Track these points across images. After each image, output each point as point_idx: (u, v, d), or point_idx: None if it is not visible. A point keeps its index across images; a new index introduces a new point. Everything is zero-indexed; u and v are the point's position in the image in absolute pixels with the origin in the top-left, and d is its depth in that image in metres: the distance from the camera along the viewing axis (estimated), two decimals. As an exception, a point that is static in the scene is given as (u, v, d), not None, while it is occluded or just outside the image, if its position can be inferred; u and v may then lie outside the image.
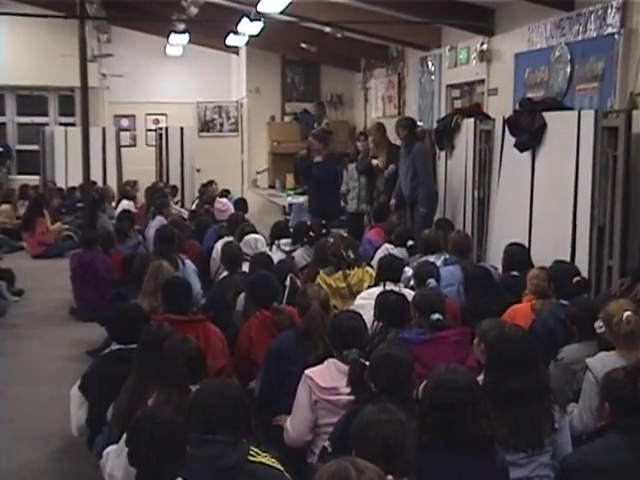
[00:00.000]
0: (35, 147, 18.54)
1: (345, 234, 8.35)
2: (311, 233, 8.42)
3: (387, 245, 8.41)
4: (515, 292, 6.21)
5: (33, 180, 17.98)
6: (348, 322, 4.71)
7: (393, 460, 2.92)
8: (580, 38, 8.55)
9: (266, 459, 3.46)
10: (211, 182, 15.45)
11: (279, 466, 3.51)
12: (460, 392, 3.45)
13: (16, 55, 18.29)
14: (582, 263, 6.71)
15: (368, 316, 5.20)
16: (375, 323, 5.39)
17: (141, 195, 15.59)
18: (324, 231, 8.58)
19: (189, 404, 3.60)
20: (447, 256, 7.39)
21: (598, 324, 4.77)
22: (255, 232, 8.90)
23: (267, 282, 6.01)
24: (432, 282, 6.17)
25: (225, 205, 12.35)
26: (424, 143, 10.41)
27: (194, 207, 14.00)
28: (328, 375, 4.46)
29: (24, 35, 18.11)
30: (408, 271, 6.91)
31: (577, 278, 5.78)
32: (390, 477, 2.69)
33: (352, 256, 7.18)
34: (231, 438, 3.43)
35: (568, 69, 8.75)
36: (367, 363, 4.17)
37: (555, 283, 5.76)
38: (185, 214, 12.83)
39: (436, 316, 5.15)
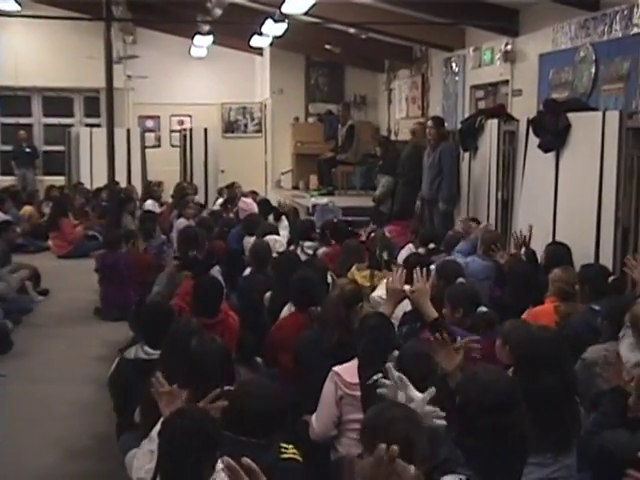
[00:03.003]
0: (61, 148, 18.69)
1: (388, 235, 8.31)
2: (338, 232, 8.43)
3: (411, 245, 8.41)
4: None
5: (59, 181, 18.12)
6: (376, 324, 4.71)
7: (412, 451, 2.91)
8: (605, 38, 8.52)
9: (294, 453, 3.49)
10: (232, 184, 15.49)
11: (299, 458, 3.55)
12: (507, 395, 3.42)
13: (42, 57, 18.45)
14: (606, 265, 6.67)
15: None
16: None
17: (166, 195, 15.68)
18: (350, 228, 8.59)
19: (226, 406, 3.60)
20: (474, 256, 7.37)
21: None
22: (276, 233, 8.93)
23: (310, 284, 5.97)
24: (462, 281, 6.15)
25: (249, 205, 12.37)
26: (450, 143, 10.46)
27: (215, 207, 14.02)
28: (354, 372, 4.48)
29: (50, 37, 18.26)
30: (433, 270, 6.90)
31: (613, 277, 5.73)
32: (412, 467, 2.67)
33: (385, 258, 7.17)
34: (265, 441, 3.45)
35: (593, 69, 8.72)
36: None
37: (590, 286, 5.69)
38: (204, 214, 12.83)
39: (483, 309, 5.14)
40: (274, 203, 12.98)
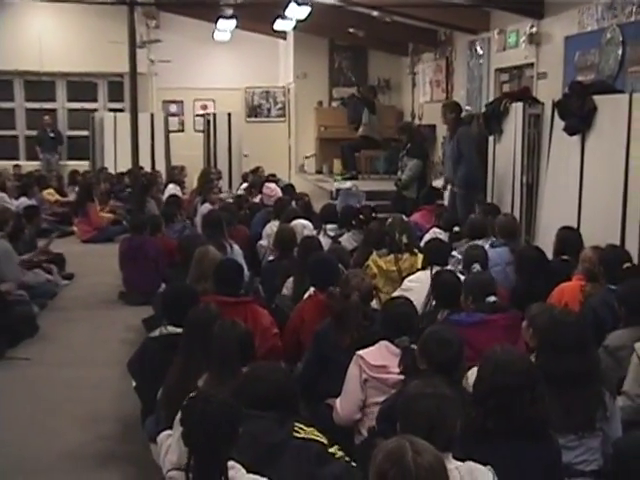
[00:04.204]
0: (85, 133, 18.77)
1: (405, 219, 8.29)
2: (361, 216, 8.41)
3: (435, 229, 8.39)
4: (565, 276, 6.13)
5: (83, 165, 18.22)
6: (399, 308, 4.75)
7: (435, 433, 2.91)
8: (633, 19, 8.43)
9: (311, 434, 3.51)
10: (257, 169, 15.51)
11: (323, 439, 3.56)
12: (519, 375, 3.43)
13: (66, 42, 18.51)
14: (632, 249, 6.62)
15: (414, 299, 5.21)
16: (428, 302, 5.41)
17: (190, 180, 15.73)
18: (374, 214, 8.57)
19: (236, 388, 3.63)
20: (494, 240, 7.34)
21: None
22: (302, 217, 8.92)
23: (328, 265, 6.03)
24: (476, 267, 6.14)
25: (273, 190, 12.37)
26: (468, 127, 10.39)
27: (239, 192, 14.04)
28: (379, 354, 4.52)
29: (74, 22, 18.33)
30: (456, 255, 6.88)
31: (627, 264, 5.71)
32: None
33: (405, 241, 7.16)
34: (278, 415, 3.47)
35: (620, 51, 8.63)
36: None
37: (605, 267, 5.69)
38: (229, 199, 12.85)
39: (492, 298, 5.15)
40: (297, 188, 12.96)
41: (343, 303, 5.16)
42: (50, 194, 15.56)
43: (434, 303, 5.44)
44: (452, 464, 2.95)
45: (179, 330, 4.95)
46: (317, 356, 5.13)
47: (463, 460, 3.07)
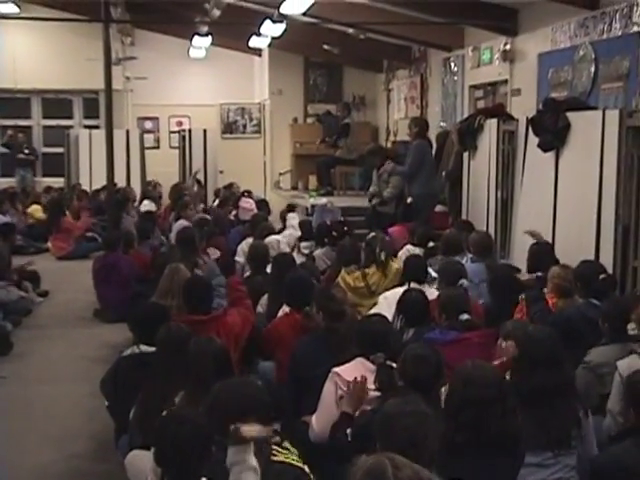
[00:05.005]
0: (60, 150, 18.66)
1: (387, 238, 8.32)
2: (334, 233, 8.40)
3: (409, 246, 8.38)
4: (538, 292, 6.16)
5: (58, 182, 18.11)
6: (374, 325, 4.74)
7: (416, 451, 2.90)
8: (605, 37, 8.51)
9: (288, 457, 3.47)
10: (231, 184, 15.48)
11: (300, 464, 3.52)
12: (490, 388, 3.44)
13: (41, 59, 18.45)
14: (607, 263, 6.64)
15: (391, 315, 5.22)
16: (396, 321, 5.40)
17: (165, 196, 15.68)
18: (345, 229, 8.57)
19: (208, 406, 3.59)
20: (469, 256, 7.36)
21: (631, 326, 4.72)
22: (276, 233, 8.91)
23: (305, 284, 6.00)
24: (464, 282, 6.12)
25: (252, 205, 12.37)
26: (424, 142, 10.46)
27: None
28: (355, 371, 4.49)
29: (49, 39, 18.27)
30: (430, 272, 6.89)
31: (603, 275, 5.74)
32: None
33: (382, 258, 7.18)
34: None
35: (592, 68, 8.71)
36: (394, 365, 4.18)
37: (582, 282, 5.71)
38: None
39: (465, 316, 5.16)
40: (272, 204, 12.96)
41: (344, 320, 5.14)
42: (37, 210, 15.49)
43: (400, 322, 5.42)
44: None
45: (152, 349, 4.92)
46: (296, 381, 5.12)
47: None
